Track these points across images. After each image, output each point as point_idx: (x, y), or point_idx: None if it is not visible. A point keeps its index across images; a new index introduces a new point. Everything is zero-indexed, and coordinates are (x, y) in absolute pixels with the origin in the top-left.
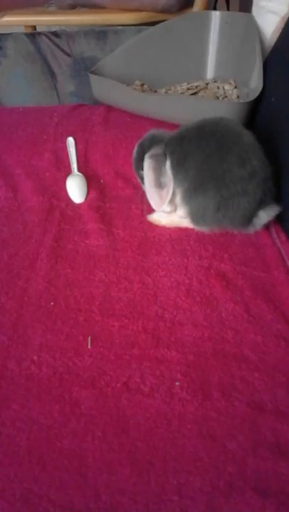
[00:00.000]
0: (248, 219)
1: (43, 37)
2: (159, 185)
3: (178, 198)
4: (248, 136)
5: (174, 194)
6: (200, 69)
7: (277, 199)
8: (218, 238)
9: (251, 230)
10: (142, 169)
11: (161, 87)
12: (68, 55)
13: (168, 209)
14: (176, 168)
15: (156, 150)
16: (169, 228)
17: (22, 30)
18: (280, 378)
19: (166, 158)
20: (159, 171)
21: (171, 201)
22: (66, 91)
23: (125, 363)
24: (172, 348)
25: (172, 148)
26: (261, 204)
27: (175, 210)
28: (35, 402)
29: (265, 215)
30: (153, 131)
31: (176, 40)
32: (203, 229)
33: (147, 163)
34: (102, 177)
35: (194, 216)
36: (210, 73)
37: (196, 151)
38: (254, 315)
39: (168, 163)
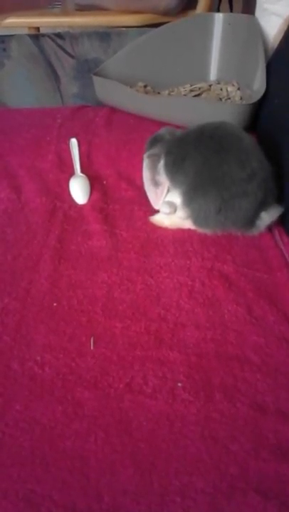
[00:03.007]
0: (251, 220)
1: (47, 38)
2: (155, 183)
3: (179, 201)
4: (247, 139)
5: (173, 195)
6: (203, 70)
7: (280, 201)
8: (221, 240)
9: (254, 231)
10: None
11: (164, 89)
12: (72, 56)
13: (167, 210)
14: (173, 168)
15: (154, 150)
16: (171, 230)
17: (26, 31)
18: (283, 380)
19: (161, 158)
20: (155, 170)
21: (171, 203)
22: (69, 92)
23: (128, 364)
24: (175, 350)
25: (169, 149)
26: (263, 205)
27: (175, 211)
28: (38, 402)
29: (268, 216)
30: (163, 129)
31: (179, 41)
32: (206, 231)
33: (145, 163)
34: (105, 178)
35: (196, 219)
36: (213, 75)
37: (194, 154)
38: (256, 316)
39: (162, 163)
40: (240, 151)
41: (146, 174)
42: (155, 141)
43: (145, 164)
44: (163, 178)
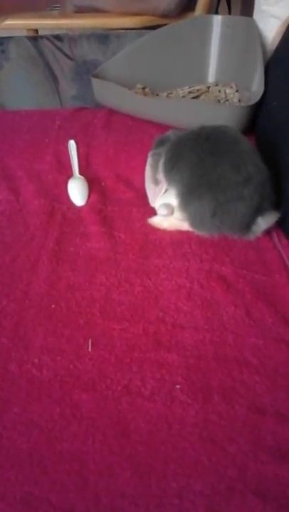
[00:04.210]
0: (247, 225)
1: (46, 40)
2: (155, 181)
3: (175, 203)
4: (244, 143)
5: (170, 196)
6: (201, 72)
7: (279, 204)
8: (219, 241)
9: (251, 236)
10: None
11: (162, 91)
12: (70, 58)
13: (164, 212)
14: (168, 166)
15: (159, 149)
16: (169, 231)
17: (24, 33)
18: (281, 382)
19: (161, 157)
20: (156, 169)
21: (168, 205)
22: (68, 94)
23: (126, 366)
24: (173, 352)
25: (169, 147)
26: (259, 210)
27: (172, 213)
28: (35, 404)
29: (264, 222)
30: (170, 131)
31: (177, 43)
32: (203, 233)
33: (148, 161)
34: (103, 180)
35: (193, 221)
36: (211, 77)
37: (189, 154)
38: (255, 318)
39: (162, 161)
40: (236, 155)
41: (148, 172)
42: (162, 141)
43: (148, 162)
44: (162, 177)
